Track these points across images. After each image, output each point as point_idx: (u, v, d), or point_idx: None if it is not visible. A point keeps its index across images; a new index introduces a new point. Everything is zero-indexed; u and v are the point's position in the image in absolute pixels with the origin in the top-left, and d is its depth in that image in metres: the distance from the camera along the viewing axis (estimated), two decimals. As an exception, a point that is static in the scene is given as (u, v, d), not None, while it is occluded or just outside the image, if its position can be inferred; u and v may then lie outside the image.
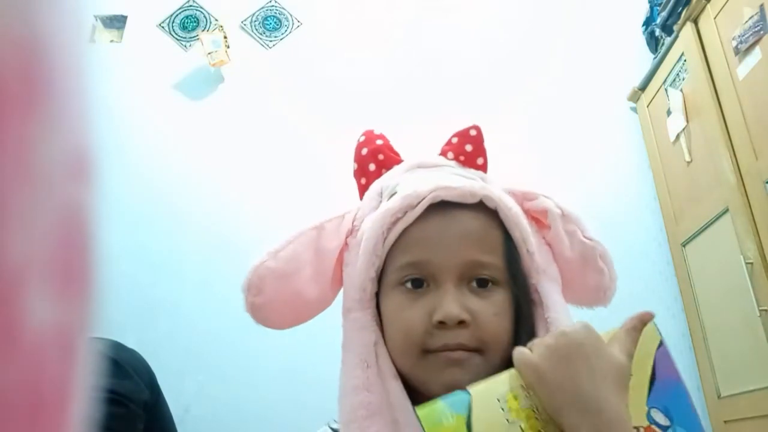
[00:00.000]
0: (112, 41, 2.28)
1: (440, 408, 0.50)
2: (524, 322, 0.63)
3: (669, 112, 1.96)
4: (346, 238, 0.69)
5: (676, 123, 1.92)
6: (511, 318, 0.62)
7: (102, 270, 0.15)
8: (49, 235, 0.13)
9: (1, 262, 0.12)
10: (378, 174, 0.72)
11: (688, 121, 1.86)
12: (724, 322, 1.75)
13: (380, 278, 0.64)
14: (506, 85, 2.25)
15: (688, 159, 1.87)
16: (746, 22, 1.56)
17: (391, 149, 0.74)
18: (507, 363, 0.57)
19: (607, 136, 2.21)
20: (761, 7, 1.51)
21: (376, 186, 0.71)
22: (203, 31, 2.33)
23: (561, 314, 0.63)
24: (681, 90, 1.90)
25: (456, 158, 0.72)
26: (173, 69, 2.28)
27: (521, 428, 0.50)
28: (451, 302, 0.59)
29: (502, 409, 0.51)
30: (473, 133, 0.73)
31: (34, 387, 0.13)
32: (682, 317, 1.96)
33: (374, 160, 0.73)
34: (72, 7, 0.14)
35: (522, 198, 0.68)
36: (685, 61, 1.87)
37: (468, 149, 0.73)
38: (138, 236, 2.01)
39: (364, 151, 0.73)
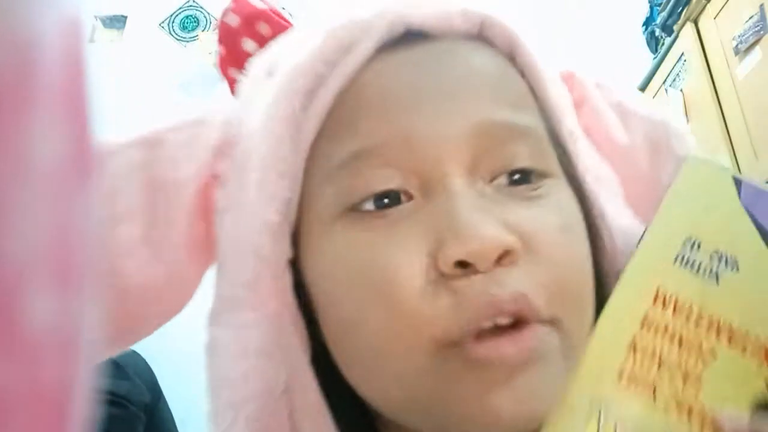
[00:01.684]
0: (112, 41, 2.28)
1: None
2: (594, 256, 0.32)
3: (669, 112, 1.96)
4: (215, 161, 0.34)
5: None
6: (589, 249, 0.31)
7: (102, 270, 0.15)
8: (49, 235, 0.13)
9: (1, 262, 0.12)
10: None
11: (688, 121, 1.86)
12: (724, 322, 1.75)
13: (297, 222, 0.32)
14: None
15: (688, 159, 1.87)
16: (746, 22, 1.56)
17: (278, 14, 0.42)
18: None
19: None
20: (761, 7, 1.51)
21: (260, 64, 0.36)
22: (203, 31, 2.33)
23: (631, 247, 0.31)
24: (681, 90, 1.90)
25: None
26: (173, 69, 2.28)
27: None
28: (472, 212, 0.27)
29: None
30: None
31: (34, 387, 0.13)
32: (682, 317, 1.97)
33: (251, 33, 0.40)
34: (72, 7, 0.14)
35: None
36: (685, 61, 1.87)
37: None
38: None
39: (233, 20, 0.40)
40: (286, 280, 0.31)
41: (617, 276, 0.30)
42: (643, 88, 2.15)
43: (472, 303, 0.26)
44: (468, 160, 0.29)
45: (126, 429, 1.11)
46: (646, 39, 2.22)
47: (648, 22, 2.19)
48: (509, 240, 0.27)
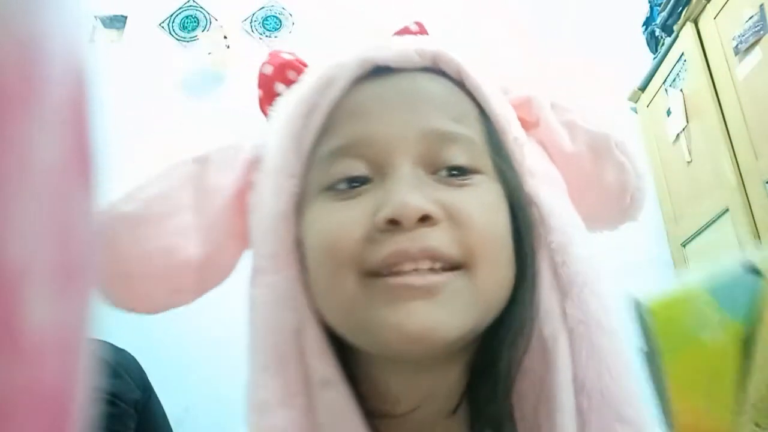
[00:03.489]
0: (112, 41, 2.28)
1: (695, 303, 0.27)
2: (522, 245, 0.41)
3: (669, 112, 1.96)
4: (249, 172, 0.46)
5: (676, 123, 1.92)
6: (508, 223, 0.41)
7: (101, 269, 0.15)
8: (49, 235, 0.13)
9: (1, 262, 0.12)
10: None
11: (688, 121, 1.86)
12: (724, 322, 1.75)
13: (301, 208, 0.42)
14: (505, 84, 2.24)
15: (688, 159, 1.87)
16: (746, 22, 1.56)
17: (303, 63, 0.53)
18: (509, 307, 0.40)
19: (607, 136, 2.21)
20: (761, 7, 1.51)
21: (284, 101, 0.48)
22: (203, 31, 2.33)
23: (570, 238, 0.41)
24: (681, 90, 1.90)
25: None
26: (173, 69, 2.28)
27: None
28: (406, 188, 0.38)
29: None
30: (414, 28, 0.54)
31: (34, 387, 0.13)
32: (682, 317, 1.96)
33: (282, 78, 0.52)
34: (72, 7, 0.14)
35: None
36: (685, 61, 1.87)
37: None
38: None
39: (268, 69, 0.53)
40: (296, 252, 0.41)
41: (548, 246, 0.41)
42: (643, 88, 2.15)
43: (390, 248, 0.37)
44: (414, 155, 0.40)
45: (117, 426, 1.11)
46: (646, 39, 2.22)
47: (648, 22, 2.19)
48: (429, 207, 0.37)
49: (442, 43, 0.45)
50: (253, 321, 0.42)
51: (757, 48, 1.54)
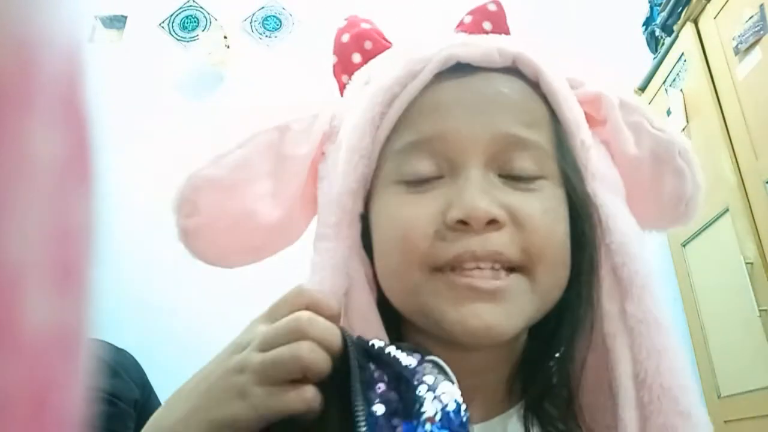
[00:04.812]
0: (112, 41, 2.28)
1: None
2: (583, 246, 0.44)
3: (669, 112, 1.96)
4: (322, 143, 0.49)
5: (676, 123, 1.92)
6: (567, 228, 0.43)
7: (101, 269, 0.15)
8: (48, 234, 0.13)
9: (1, 262, 0.12)
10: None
11: (688, 121, 1.86)
12: (724, 322, 1.75)
13: (369, 189, 0.46)
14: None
15: (688, 159, 1.87)
16: (746, 22, 1.56)
17: (381, 35, 0.54)
18: (562, 303, 0.43)
19: (607, 136, 2.21)
20: (761, 7, 1.51)
21: (361, 75, 0.51)
22: (203, 31, 2.33)
23: (629, 238, 0.43)
24: (681, 90, 1.90)
25: None
26: (173, 69, 2.28)
27: None
28: (477, 191, 0.40)
29: None
30: (492, 7, 0.56)
31: (34, 387, 0.13)
32: (682, 317, 1.96)
33: (359, 48, 0.53)
34: (71, 7, 0.14)
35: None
36: (685, 61, 1.87)
37: (486, 27, 0.54)
38: (137, 235, 2.01)
39: (346, 37, 0.54)
40: (357, 226, 0.46)
41: (607, 246, 0.43)
42: (643, 88, 2.15)
43: (458, 248, 0.40)
44: (486, 157, 0.42)
45: (116, 426, 1.11)
46: (646, 39, 2.22)
47: (648, 22, 2.19)
48: (496, 212, 0.40)
49: (523, 43, 0.48)
50: (311, 282, 0.45)
51: (757, 48, 1.54)
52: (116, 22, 2.31)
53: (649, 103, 2.11)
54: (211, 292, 1.93)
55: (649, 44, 2.21)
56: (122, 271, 1.91)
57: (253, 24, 2.37)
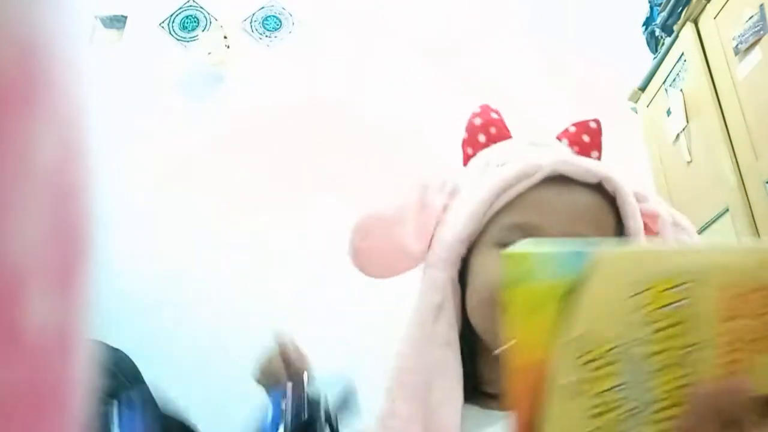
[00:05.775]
0: (112, 41, 2.28)
1: (539, 257, 0.34)
2: None
3: (669, 112, 1.96)
4: (450, 199, 0.68)
5: (676, 123, 1.92)
6: None
7: (101, 268, 0.15)
8: (48, 234, 0.13)
9: (1, 262, 0.12)
10: (486, 147, 0.72)
11: (688, 121, 1.86)
12: (724, 322, 1.75)
13: (474, 242, 0.63)
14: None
15: (688, 159, 1.87)
16: (746, 22, 1.56)
17: (504, 125, 0.73)
18: None
19: (607, 136, 2.20)
20: (761, 7, 1.51)
21: (483, 156, 0.70)
22: (203, 31, 2.33)
23: None
24: (681, 90, 1.90)
25: (570, 146, 0.72)
26: (173, 69, 2.28)
27: (643, 339, 0.34)
28: None
29: (633, 295, 0.34)
30: (593, 125, 0.74)
31: (35, 386, 0.13)
32: (682, 317, 1.96)
33: (485, 131, 0.72)
34: (72, 7, 0.14)
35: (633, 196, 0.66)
36: (685, 61, 1.87)
37: (585, 139, 0.73)
38: (138, 234, 2.01)
39: (477, 121, 0.73)
40: (456, 268, 0.63)
41: None
42: (643, 88, 2.15)
43: None
44: None
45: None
46: (646, 39, 2.22)
47: (648, 22, 2.19)
48: None
49: (607, 166, 0.64)
50: (417, 296, 0.64)
51: (757, 48, 1.54)
52: (116, 22, 2.31)
53: (649, 104, 2.11)
54: (210, 294, 1.93)
55: (649, 44, 2.21)
56: (121, 271, 1.91)
57: (253, 24, 2.37)
